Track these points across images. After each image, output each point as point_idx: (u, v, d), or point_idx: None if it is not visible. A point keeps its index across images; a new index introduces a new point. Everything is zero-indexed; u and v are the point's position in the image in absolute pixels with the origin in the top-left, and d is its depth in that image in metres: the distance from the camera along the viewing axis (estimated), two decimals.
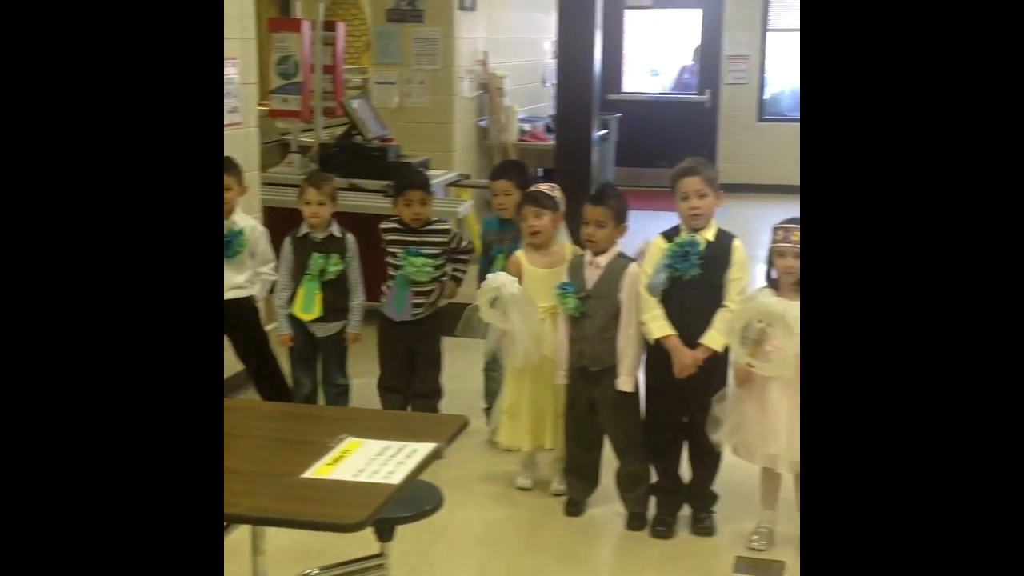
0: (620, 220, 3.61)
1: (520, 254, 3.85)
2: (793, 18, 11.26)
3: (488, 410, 4.22)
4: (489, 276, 3.77)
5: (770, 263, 3.40)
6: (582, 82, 5.97)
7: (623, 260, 3.60)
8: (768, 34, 11.23)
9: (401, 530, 2.69)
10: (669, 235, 3.53)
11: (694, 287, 3.44)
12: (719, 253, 3.46)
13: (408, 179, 4.33)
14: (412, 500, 2.62)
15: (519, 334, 3.65)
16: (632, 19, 11.72)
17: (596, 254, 3.59)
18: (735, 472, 3.67)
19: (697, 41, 11.49)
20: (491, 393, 4.26)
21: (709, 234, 3.49)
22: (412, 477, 2.20)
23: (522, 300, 3.65)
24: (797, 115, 11.91)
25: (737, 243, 3.50)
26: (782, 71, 11.64)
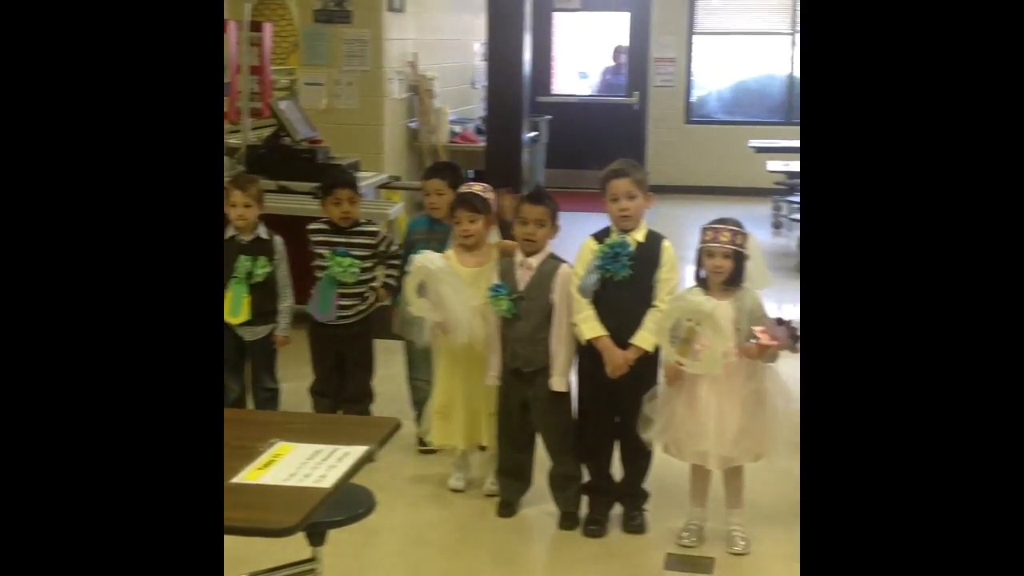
0: (553, 221, 3.63)
1: (450, 254, 3.85)
2: (718, 22, 11.44)
3: (418, 417, 4.21)
4: (413, 258, 3.75)
5: (699, 263, 3.44)
6: (512, 84, 5.99)
7: (554, 261, 3.61)
8: (694, 37, 11.38)
9: (333, 534, 2.67)
10: (599, 236, 3.56)
11: (625, 288, 3.47)
12: (649, 254, 3.50)
13: (335, 178, 4.30)
14: (344, 504, 2.61)
15: (455, 310, 3.63)
16: (560, 21, 11.79)
17: (529, 255, 3.60)
18: (665, 470, 3.71)
19: (620, 43, 11.60)
20: (418, 402, 4.23)
21: (639, 235, 3.52)
22: (344, 481, 2.18)
23: (450, 274, 3.65)
24: (723, 117, 12.10)
25: (667, 244, 3.54)
26: (708, 74, 11.81)
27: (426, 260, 3.65)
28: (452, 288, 3.62)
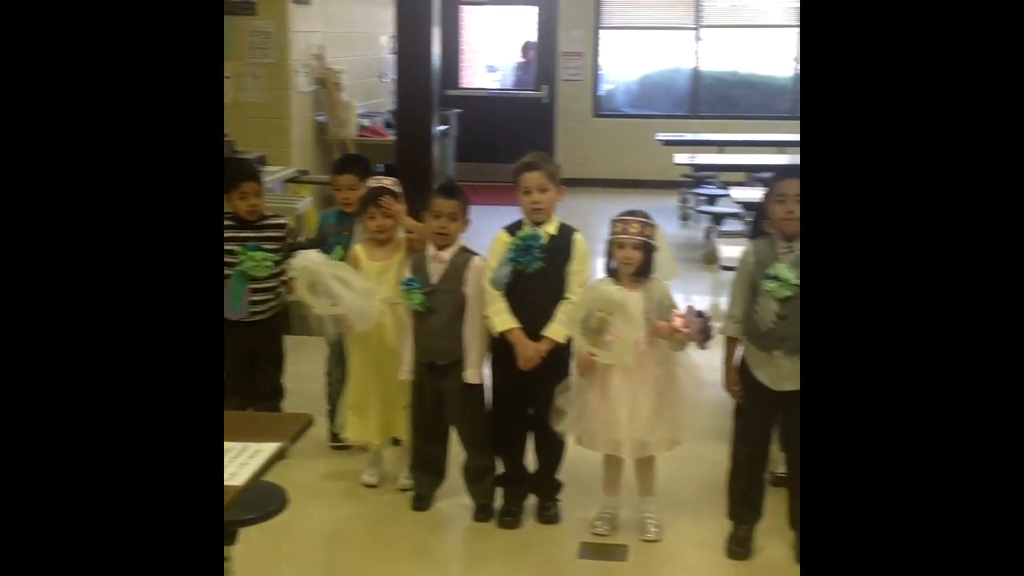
0: (464, 215, 3.63)
1: (359, 248, 3.83)
2: (624, 17, 11.56)
3: (332, 412, 4.17)
4: (292, 263, 3.72)
5: (609, 254, 3.48)
6: (421, 77, 5.97)
7: (467, 254, 3.62)
8: (601, 32, 11.48)
9: (245, 532, 2.64)
10: (512, 229, 3.57)
11: (537, 280, 3.49)
12: (561, 246, 3.52)
13: (240, 171, 4.22)
14: (256, 501, 2.58)
15: (348, 301, 3.61)
16: (468, 15, 11.78)
17: (441, 248, 3.60)
18: (578, 460, 3.75)
19: (528, 37, 11.65)
20: (333, 396, 4.20)
21: (551, 228, 3.54)
22: (256, 478, 2.16)
23: (334, 267, 3.63)
24: (630, 111, 12.22)
25: (578, 236, 3.57)
26: (615, 68, 11.93)
27: (305, 260, 3.64)
28: (339, 281, 3.60)
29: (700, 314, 3.36)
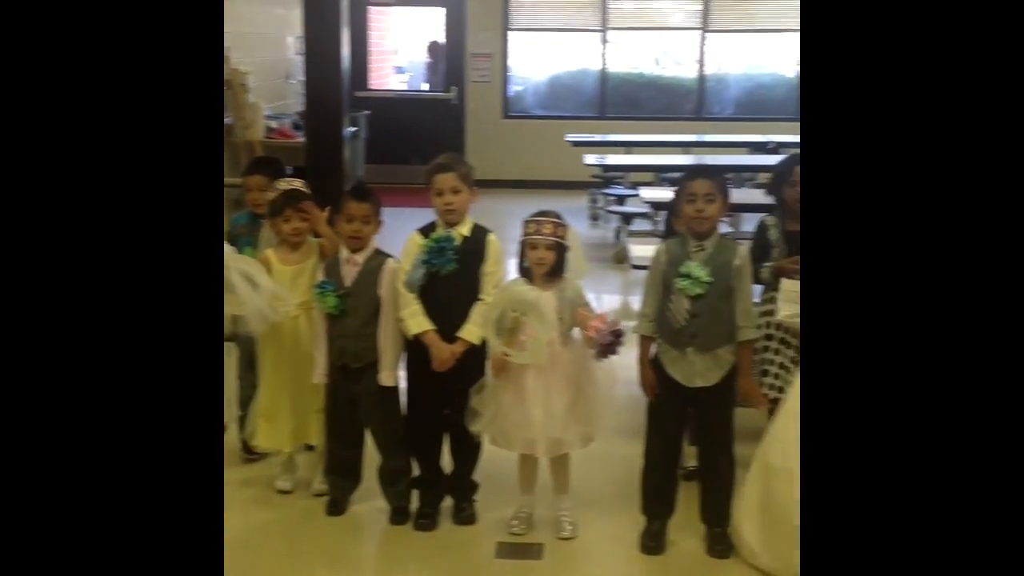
0: (377, 217, 3.62)
1: (271, 252, 3.78)
2: (532, 18, 11.62)
3: (243, 419, 4.11)
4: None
5: (522, 255, 3.50)
6: (331, 79, 5.92)
7: (380, 257, 3.60)
8: (509, 33, 11.53)
9: None
10: (425, 231, 3.57)
11: (451, 282, 3.50)
12: (474, 247, 3.53)
13: None
14: None
15: (251, 303, 3.57)
16: (377, 16, 11.72)
17: (355, 251, 3.58)
18: (494, 460, 3.76)
19: (434, 37, 11.63)
20: (244, 401, 4.14)
21: (464, 229, 3.55)
22: None
23: (244, 261, 3.60)
24: (540, 112, 12.25)
25: (492, 237, 3.58)
26: (524, 70, 11.98)
27: None
28: (246, 278, 3.56)
29: (615, 332, 3.36)
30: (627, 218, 8.75)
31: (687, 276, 3.30)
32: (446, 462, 3.77)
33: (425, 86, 11.89)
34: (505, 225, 3.99)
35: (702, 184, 3.33)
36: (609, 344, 3.33)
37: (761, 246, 3.85)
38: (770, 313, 3.86)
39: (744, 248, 3.44)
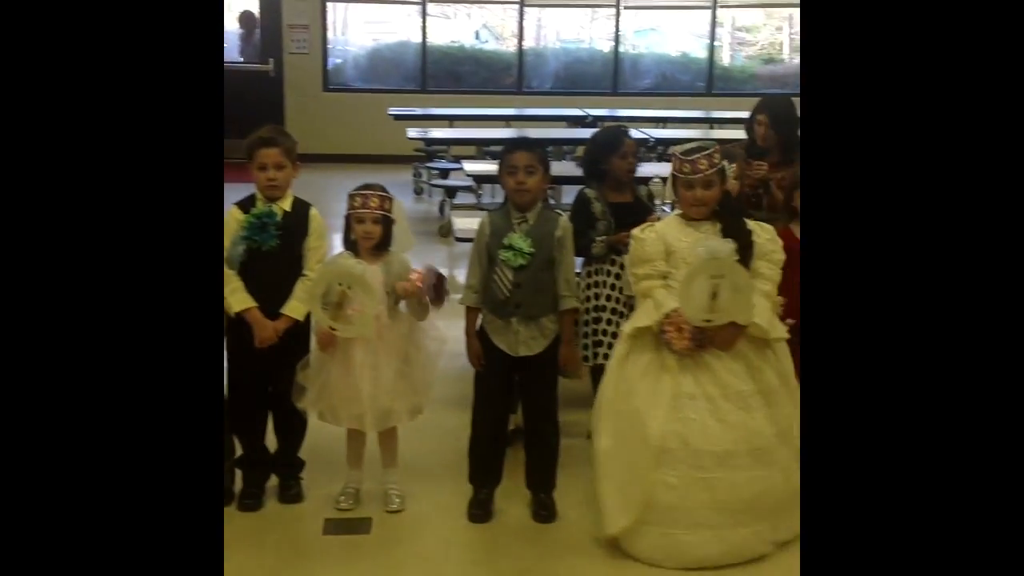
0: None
1: None
2: None
3: None
4: None
5: (348, 229, 3.47)
6: None
7: None
8: (328, 4, 11.32)
9: None
10: (244, 206, 3.49)
11: (273, 258, 3.43)
12: (297, 222, 3.48)
13: None
14: None
15: None
16: None
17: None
18: (320, 436, 3.73)
19: (245, 7, 11.32)
20: None
21: (285, 204, 3.49)
22: None
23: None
24: (362, 86, 12.07)
25: (314, 212, 3.53)
26: (344, 42, 11.81)
27: None
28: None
29: (436, 275, 3.43)
30: (451, 191, 8.77)
31: (509, 248, 3.35)
32: (270, 441, 3.71)
33: (240, 58, 11.55)
34: (327, 200, 3.95)
35: (522, 156, 3.38)
36: (437, 285, 3.37)
37: (584, 218, 3.94)
38: (600, 285, 3.97)
39: (565, 219, 3.51)
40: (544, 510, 3.52)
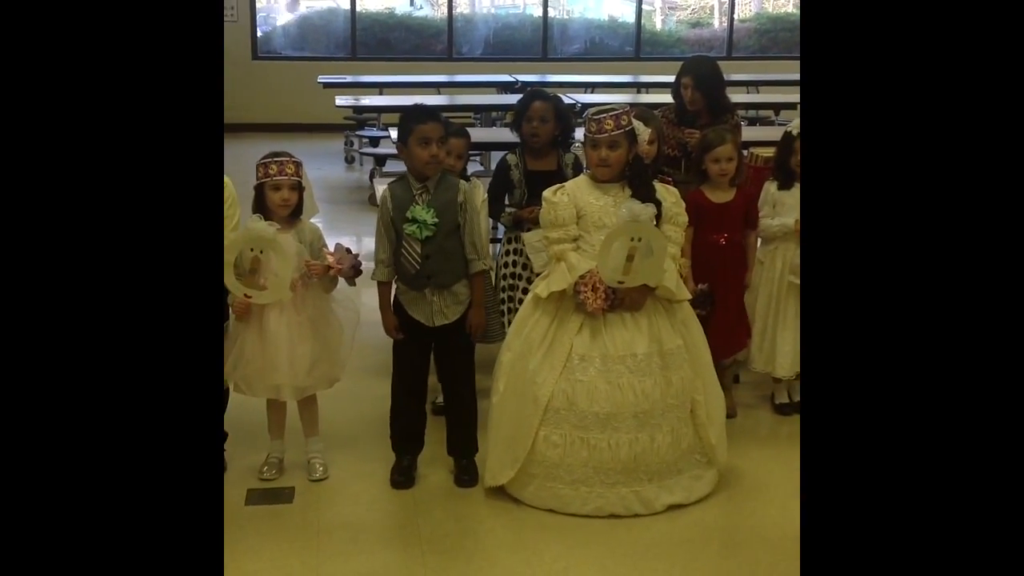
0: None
1: None
2: None
3: None
4: None
5: (260, 198, 3.42)
6: None
7: None
8: None
9: None
10: None
11: None
12: None
13: None
14: None
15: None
16: None
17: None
18: (242, 407, 3.70)
19: None
20: None
21: None
22: None
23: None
24: (292, 54, 11.92)
25: (227, 180, 3.48)
26: (272, 9, 11.64)
27: None
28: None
29: (349, 251, 3.42)
30: (380, 160, 8.72)
31: (413, 221, 3.34)
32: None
33: None
34: (248, 169, 3.87)
35: (435, 128, 3.35)
36: (353, 263, 3.37)
37: (500, 184, 3.94)
38: (518, 253, 3.99)
39: (465, 183, 3.49)
40: (466, 475, 3.55)
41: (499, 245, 4.34)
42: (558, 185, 3.40)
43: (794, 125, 3.98)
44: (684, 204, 3.43)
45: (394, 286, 3.50)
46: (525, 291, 3.94)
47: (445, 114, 3.84)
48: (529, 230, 3.92)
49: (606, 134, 3.24)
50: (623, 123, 3.26)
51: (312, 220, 3.52)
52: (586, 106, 8.46)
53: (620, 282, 3.18)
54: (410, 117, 3.43)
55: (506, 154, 4.10)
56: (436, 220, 3.34)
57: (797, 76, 2.46)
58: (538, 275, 3.93)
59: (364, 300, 3.60)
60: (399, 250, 3.40)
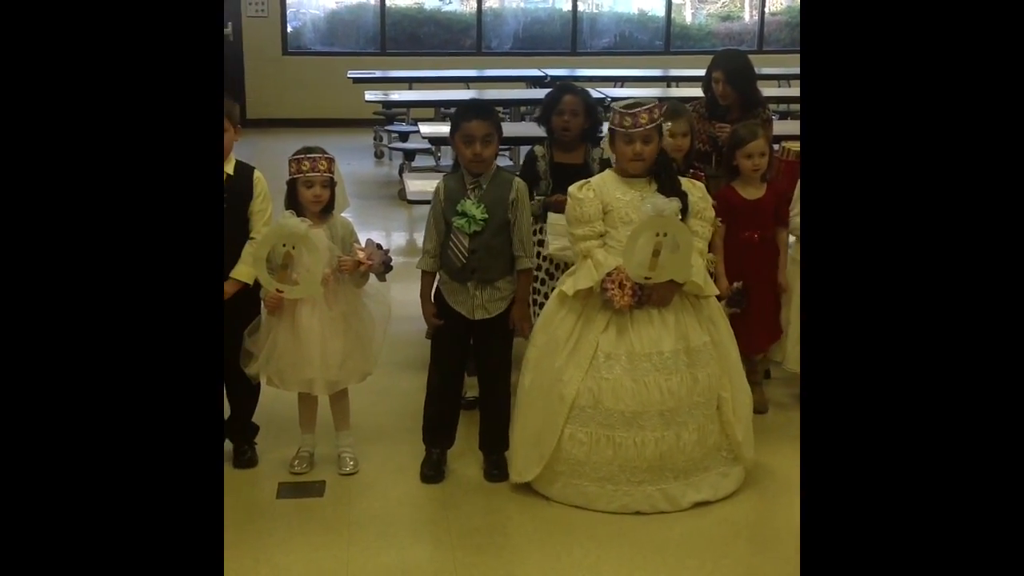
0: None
1: None
2: None
3: None
4: None
5: (292, 194, 3.44)
6: None
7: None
8: None
9: None
10: None
11: None
12: (240, 186, 3.45)
13: None
14: None
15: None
16: None
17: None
18: (273, 401, 3.73)
19: None
20: None
21: (228, 168, 3.46)
22: None
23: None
24: (321, 49, 11.96)
25: (258, 175, 3.51)
26: (302, 5, 11.68)
27: None
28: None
29: (380, 246, 3.43)
30: (410, 155, 8.74)
31: (463, 215, 3.35)
32: (224, 406, 3.71)
33: None
34: (279, 164, 3.89)
35: (480, 126, 3.35)
36: (384, 259, 3.38)
37: (527, 175, 3.95)
38: (542, 244, 3.98)
39: (520, 181, 3.50)
40: (496, 470, 3.55)
41: None
42: (583, 181, 3.39)
43: None
44: (711, 199, 3.41)
45: (437, 276, 3.51)
46: (542, 281, 3.95)
47: None
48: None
49: (641, 128, 3.22)
50: (655, 117, 3.24)
51: (342, 214, 3.54)
52: (616, 100, 8.47)
53: (647, 278, 3.17)
54: (458, 113, 3.44)
55: (534, 146, 4.10)
56: (485, 216, 3.34)
57: None
58: (553, 264, 3.94)
59: (395, 295, 3.61)
60: (447, 242, 3.42)
